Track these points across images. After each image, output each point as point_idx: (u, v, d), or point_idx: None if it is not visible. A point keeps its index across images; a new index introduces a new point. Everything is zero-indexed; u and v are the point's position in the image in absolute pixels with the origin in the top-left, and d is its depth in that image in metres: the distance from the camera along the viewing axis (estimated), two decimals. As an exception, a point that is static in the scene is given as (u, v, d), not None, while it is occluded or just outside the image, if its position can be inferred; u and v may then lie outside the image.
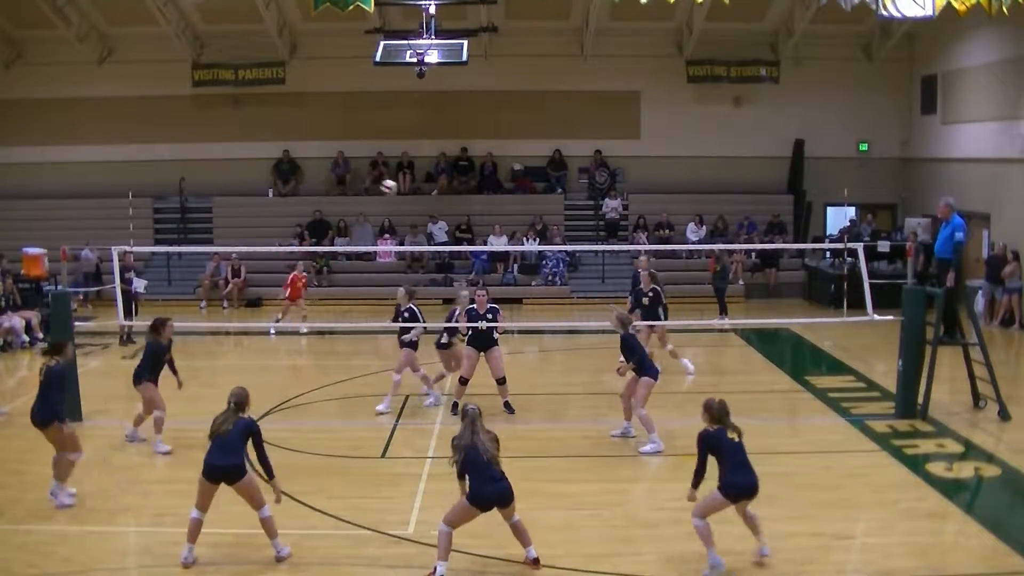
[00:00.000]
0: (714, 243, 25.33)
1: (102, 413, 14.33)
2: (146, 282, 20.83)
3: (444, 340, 14.66)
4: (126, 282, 19.48)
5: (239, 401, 9.22)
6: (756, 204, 26.96)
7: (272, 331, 20.66)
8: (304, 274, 21.66)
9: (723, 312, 21.56)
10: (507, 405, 14.23)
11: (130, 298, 19.57)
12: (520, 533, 8.85)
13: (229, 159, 27.33)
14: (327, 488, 11.11)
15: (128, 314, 19.50)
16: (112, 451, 12.72)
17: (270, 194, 27.34)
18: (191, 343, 20.60)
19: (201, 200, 27.00)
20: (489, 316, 14.01)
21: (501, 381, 14.23)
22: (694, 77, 26.78)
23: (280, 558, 9.09)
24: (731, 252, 24.63)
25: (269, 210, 27.10)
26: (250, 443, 9.16)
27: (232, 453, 9.01)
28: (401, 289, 14.60)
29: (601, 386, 16.32)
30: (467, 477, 8.69)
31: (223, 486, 9.02)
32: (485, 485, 8.61)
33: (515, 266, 25.95)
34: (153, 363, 12.76)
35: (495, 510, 8.71)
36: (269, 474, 9.23)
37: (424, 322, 14.30)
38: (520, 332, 22.18)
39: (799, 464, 11.85)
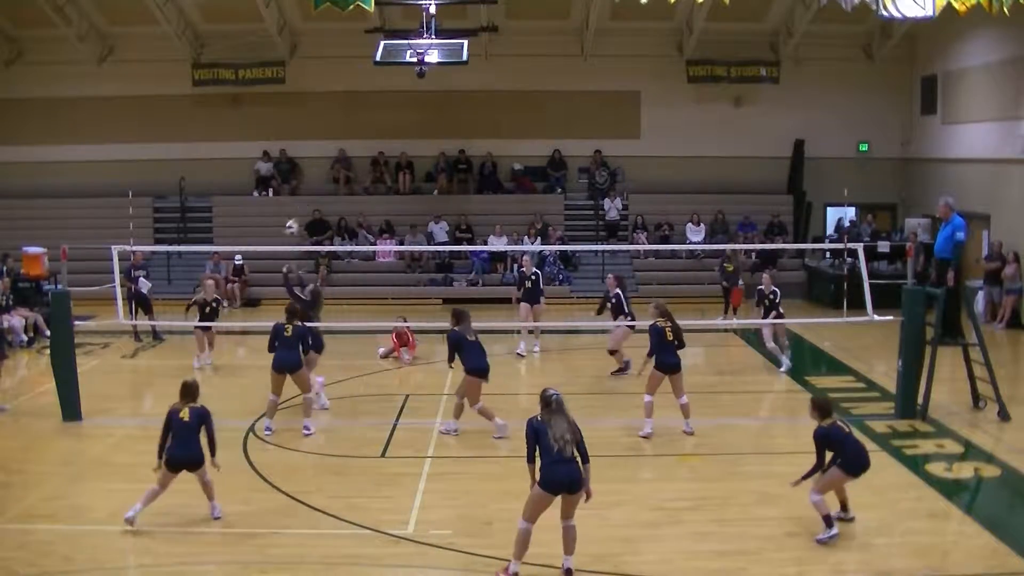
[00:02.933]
0: (715, 243, 25.34)
1: (102, 412, 14.32)
2: (151, 284, 20.81)
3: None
4: (133, 280, 19.51)
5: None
6: (756, 204, 26.95)
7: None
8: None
9: (731, 311, 21.58)
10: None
11: (142, 297, 19.59)
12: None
13: (229, 159, 27.33)
14: (327, 488, 11.12)
15: (148, 313, 19.54)
16: (112, 450, 12.72)
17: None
18: (190, 342, 20.60)
19: (201, 200, 27.00)
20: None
21: None
22: (694, 77, 26.76)
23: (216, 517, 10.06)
24: (744, 252, 24.66)
25: (269, 210, 27.06)
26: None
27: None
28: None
29: (601, 386, 16.34)
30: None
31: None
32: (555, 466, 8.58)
33: (515, 266, 25.92)
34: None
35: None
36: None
37: None
38: (520, 332, 22.15)
39: (799, 464, 11.77)
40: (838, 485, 9.74)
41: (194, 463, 9.93)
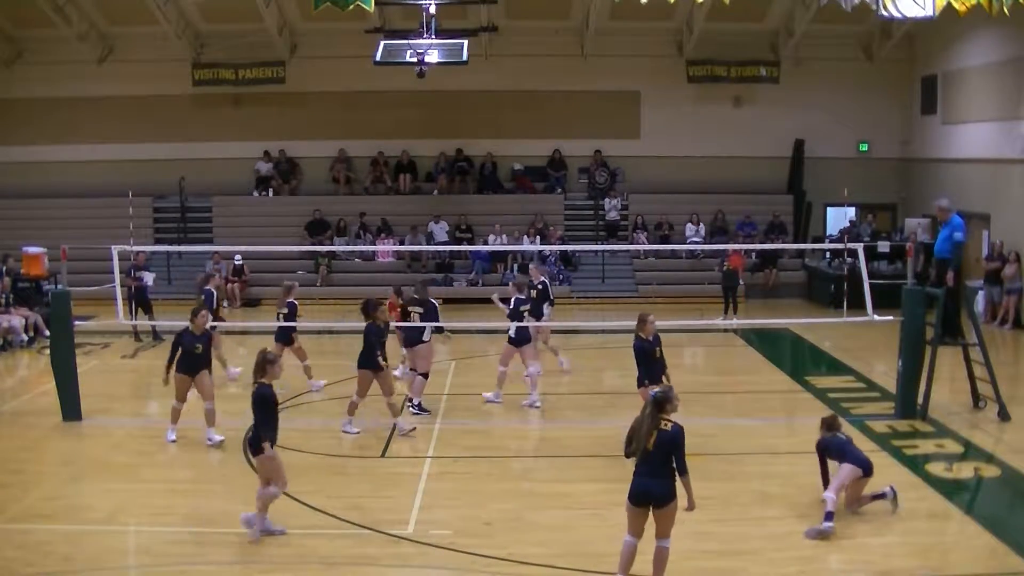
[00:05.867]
0: (715, 243, 25.34)
1: (102, 412, 14.31)
2: (154, 275, 20.88)
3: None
4: (137, 279, 19.50)
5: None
6: (756, 204, 26.95)
7: None
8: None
9: (731, 311, 21.59)
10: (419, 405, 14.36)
11: (143, 297, 19.55)
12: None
13: (229, 159, 27.34)
14: (327, 488, 11.12)
15: (148, 313, 19.53)
16: (112, 450, 12.72)
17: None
18: (191, 343, 20.60)
19: (201, 200, 27.00)
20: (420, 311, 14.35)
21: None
22: (694, 77, 26.76)
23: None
24: (744, 252, 24.66)
25: (269, 210, 27.10)
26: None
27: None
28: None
29: (601, 386, 16.35)
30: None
31: None
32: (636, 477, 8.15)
33: (515, 266, 25.94)
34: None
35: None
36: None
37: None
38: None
39: (799, 464, 11.81)
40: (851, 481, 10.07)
41: None
